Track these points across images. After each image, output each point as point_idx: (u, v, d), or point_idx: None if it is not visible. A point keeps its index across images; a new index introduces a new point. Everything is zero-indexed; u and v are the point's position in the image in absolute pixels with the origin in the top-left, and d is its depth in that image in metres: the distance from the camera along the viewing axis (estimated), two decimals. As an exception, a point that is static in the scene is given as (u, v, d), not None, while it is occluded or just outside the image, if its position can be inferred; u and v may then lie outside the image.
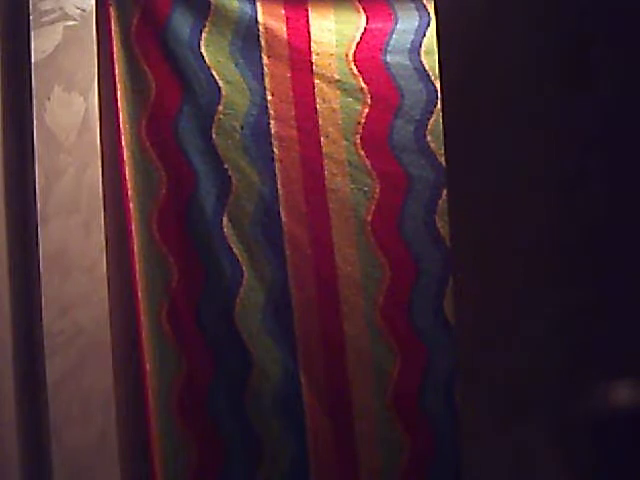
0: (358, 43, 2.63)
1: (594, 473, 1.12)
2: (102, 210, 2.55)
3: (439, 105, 2.56)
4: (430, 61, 2.61)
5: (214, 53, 2.59)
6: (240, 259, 2.56)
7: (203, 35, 2.59)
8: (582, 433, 1.13)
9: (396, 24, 2.64)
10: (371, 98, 2.62)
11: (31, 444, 2.41)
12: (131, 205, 2.55)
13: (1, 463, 2.36)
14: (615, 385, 1.09)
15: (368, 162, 2.61)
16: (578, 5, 1.12)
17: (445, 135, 1.47)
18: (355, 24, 2.64)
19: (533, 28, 1.19)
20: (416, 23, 2.65)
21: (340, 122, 2.62)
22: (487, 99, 1.30)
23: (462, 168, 1.38)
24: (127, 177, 2.56)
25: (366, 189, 2.60)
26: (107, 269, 2.53)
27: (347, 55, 2.62)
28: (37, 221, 2.45)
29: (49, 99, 2.48)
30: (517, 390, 1.24)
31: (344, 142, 2.61)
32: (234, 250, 2.56)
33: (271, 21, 2.61)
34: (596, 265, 1.11)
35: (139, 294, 2.53)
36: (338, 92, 2.62)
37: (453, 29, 1.40)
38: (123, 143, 2.56)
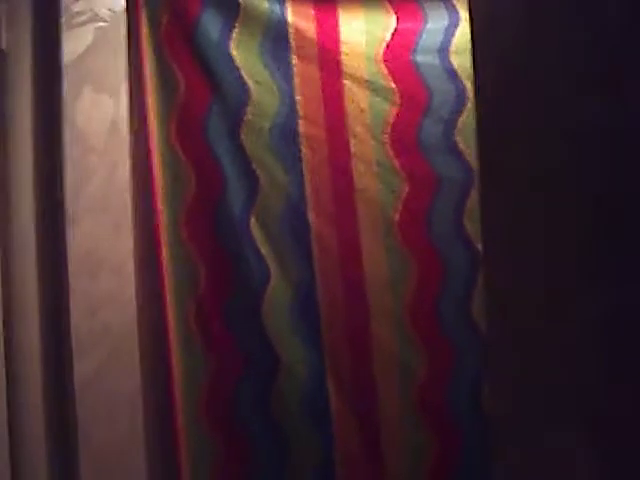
0: (388, 43, 2.61)
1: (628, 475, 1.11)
2: (131, 210, 2.56)
3: (468, 105, 2.56)
4: (459, 61, 2.58)
5: (244, 54, 2.59)
6: (267, 259, 2.56)
7: (233, 36, 2.59)
8: (616, 434, 1.12)
9: (426, 24, 2.62)
10: (400, 98, 2.60)
11: (59, 444, 2.42)
12: (160, 205, 2.56)
13: (29, 462, 2.37)
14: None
15: (396, 162, 2.60)
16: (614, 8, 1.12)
17: (478, 136, 1.46)
18: (385, 24, 2.62)
19: (570, 30, 1.19)
20: (445, 23, 2.63)
21: (369, 122, 2.61)
22: (521, 101, 1.29)
23: (495, 168, 1.37)
24: (156, 177, 2.57)
25: (394, 189, 2.59)
26: (136, 269, 2.54)
27: (377, 55, 2.61)
28: (67, 221, 2.46)
29: (79, 100, 2.50)
30: (548, 391, 1.23)
31: (372, 142, 2.60)
32: (261, 250, 2.55)
33: (301, 22, 2.61)
34: (631, 268, 1.10)
35: (167, 294, 2.54)
36: (367, 92, 2.61)
37: (487, 29, 1.39)
38: (152, 143, 2.57)
